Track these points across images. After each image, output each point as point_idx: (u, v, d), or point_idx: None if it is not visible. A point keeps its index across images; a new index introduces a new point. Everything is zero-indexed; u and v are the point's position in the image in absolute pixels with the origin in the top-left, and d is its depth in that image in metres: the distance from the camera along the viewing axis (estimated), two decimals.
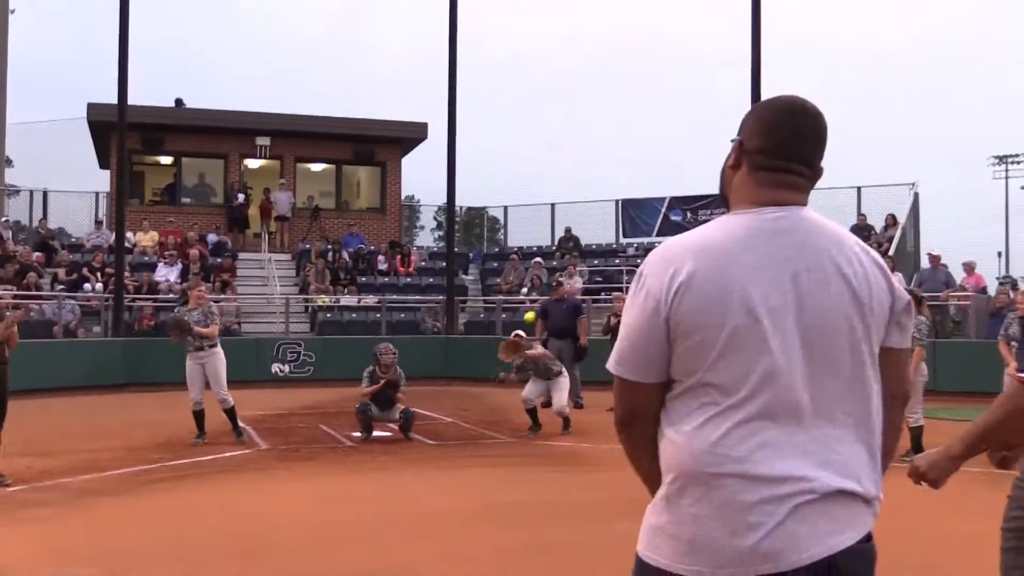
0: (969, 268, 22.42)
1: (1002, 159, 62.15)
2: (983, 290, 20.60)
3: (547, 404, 13.26)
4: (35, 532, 7.39)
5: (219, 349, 12.09)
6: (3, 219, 27.47)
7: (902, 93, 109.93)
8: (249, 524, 7.69)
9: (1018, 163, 61.86)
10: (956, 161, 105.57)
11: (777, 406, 2.14)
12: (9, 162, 46.07)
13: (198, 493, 9.10)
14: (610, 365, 2.28)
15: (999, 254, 58.54)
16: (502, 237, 33.55)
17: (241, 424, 12.53)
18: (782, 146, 2.27)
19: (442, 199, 26.11)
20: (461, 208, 31.18)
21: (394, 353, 12.59)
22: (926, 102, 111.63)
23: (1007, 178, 62.10)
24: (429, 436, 12.86)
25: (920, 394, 11.04)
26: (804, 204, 2.31)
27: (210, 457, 10.99)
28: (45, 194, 29.31)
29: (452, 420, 15.00)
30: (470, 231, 36.31)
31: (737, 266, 2.14)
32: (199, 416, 11.94)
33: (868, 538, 2.20)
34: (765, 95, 20.80)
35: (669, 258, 2.19)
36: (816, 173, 2.34)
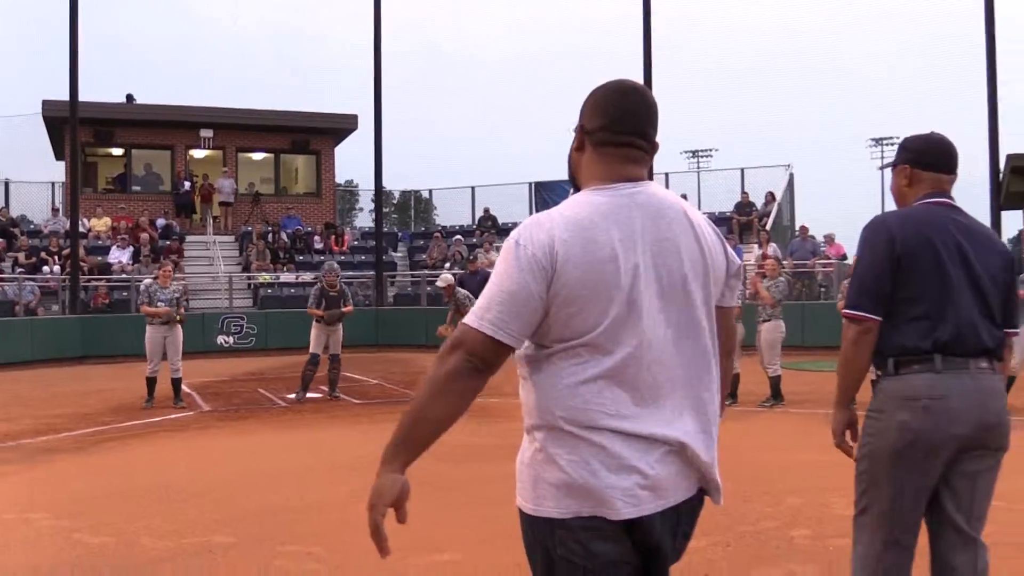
0: (830, 239, 23.29)
1: (878, 141, 63.78)
2: (843, 257, 21.49)
3: None
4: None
5: (180, 326, 12.20)
6: None
7: (787, 80, 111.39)
8: (189, 474, 7.92)
9: (892, 145, 63.45)
10: (837, 144, 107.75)
11: (644, 367, 2.16)
12: None
13: (144, 449, 9.28)
14: (477, 323, 2.12)
15: None
16: (436, 217, 33.83)
17: (186, 389, 12.76)
18: (620, 121, 2.27)
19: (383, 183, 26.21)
20: (391, 192, 31.40)
21: (338, 274, 13.11)
22: (808, 88, 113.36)
23: (883, 158, 63.72)
24: (356, 396, 13.23)
25: (778, 348, 11.69)
26: (645, 177, 2.31)
27: (157, 419, 11.19)
28: (6, 184, 28.91)
29: (378, 382, 15.37)
30: (405, 212, 36.54)
31: (607, 239, 2.13)
32: (152, 383, 11.98)
33: (702, 490, 2.29)
34: (656, 81, 21.47)
35: (547, 230, 2.13)
36: (653, 146, 2.34)
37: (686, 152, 54.87)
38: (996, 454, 3.14)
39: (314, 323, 12.81)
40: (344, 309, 12.78)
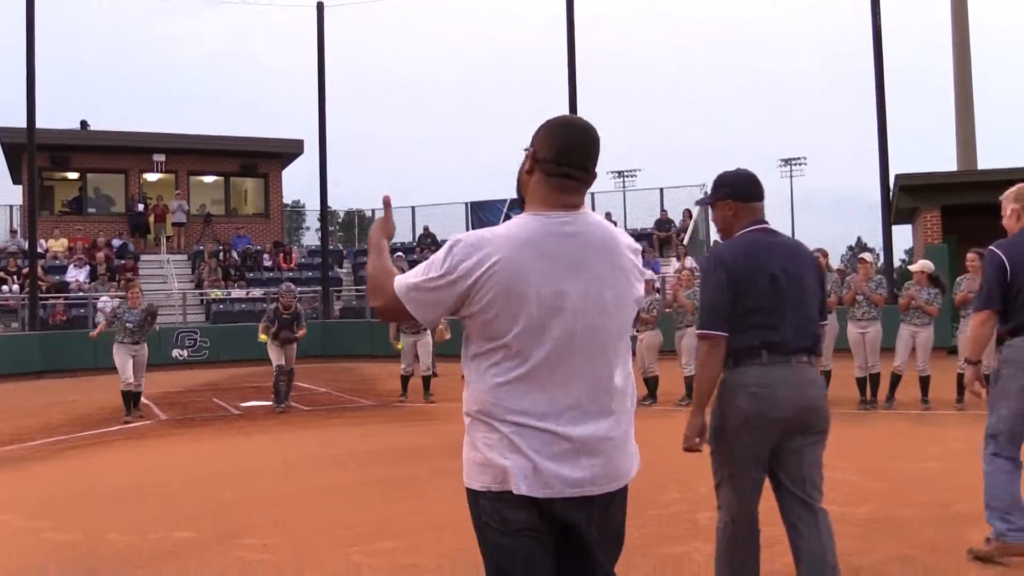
0: None
1: (787, 161, 65.20)
2: None
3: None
4: None
5: (147, 344, 11.93)
6: None
7: (704, 105, 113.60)
8: (147, 476, 7.96)
9: (800, 164, 64.93)
10: (750, 163, 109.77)
11: (552, 369, 2.33)
12: None
13: (105, 456, 9.27)
14: (402, 295, 2.38)
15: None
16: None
17: (144, 400, 12.67)
18: (567, 155, 2.41)
19: (330, 204, 26.16)
20: (337, 212, 31.28)
21: (294, 296, 12.68)
22: (724, 112, 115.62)
23: (791, 177, 65.13)
24: (305, 404, 13.27)
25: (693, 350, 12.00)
26: (582, 204, 2.46)
27: (116, 428, 11.16)
28: None
29: (326, 390, 15.42)
30: (350, 230, 36.43)
31: (533, 260, 2.31)
32: (127, 396, 11.65)
33: (624, 491, 2.46)
34: (582, 101, 21.89)
35: (479, 246, 2.31)
36: (591, 175, 2.46)
37: (612, 172, 55.44)
38: (822, 433, 3.59)
39: (270, 339, 12.44)
40: (297, 334, 12.45)
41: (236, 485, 7.46)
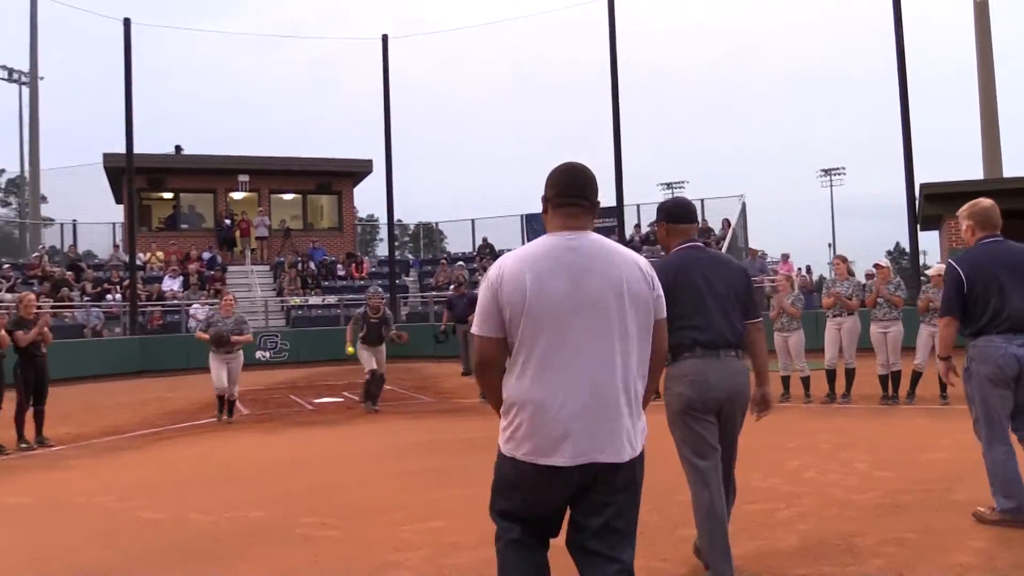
0: (784, 257, 23.67)
1: (827, 171, 64.19)
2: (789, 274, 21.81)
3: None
4: (72, 476, 7.94)
5: (241, 352, 11.56)
6: (40, 246, 27.53)
7: (746, 118, 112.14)
8: (227, 464, 8.30)
9: (840, 174, 63.90)
10: (790, 174, 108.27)
11: (561, 358, 2.69)
12: (44, 199, 45.63)
13: (192, 446, 9.62)
14: (474, 328, 2.82)
15: (829, 245, 61.08)
16: (447, 246, 34.08)
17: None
18: (564, 190, 2.86)
19: (402, 218, 26.55)
20: (407, 224, 31.68)
21: (382, 297, 12.23)
22: (765, 124, 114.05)
23: (831, 187, 64.14)
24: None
25: None
26: (589, 227, 2.86)
27: (203, 421, 11.58)
28: (75, 225, 29.39)
29: (391, 387, 15.62)
30: (419, 240, 36.84)
31: (540, 267, 2.72)
32: (222, 399, 11.44)
33: (633, 461, 2.77)
34: (623, 116, 21.88)
35: (499, 263, 2.80)
36: (594, 204, 2.89)
37: (661, 184, 55.18)
38: (740, 416, 4.17)
39: (359, 343, 11.96)
40: (400, 336, 12.12)
41: (304, 472, 7.72)
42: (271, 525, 5.75)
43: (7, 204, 69.75)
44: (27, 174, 42.57)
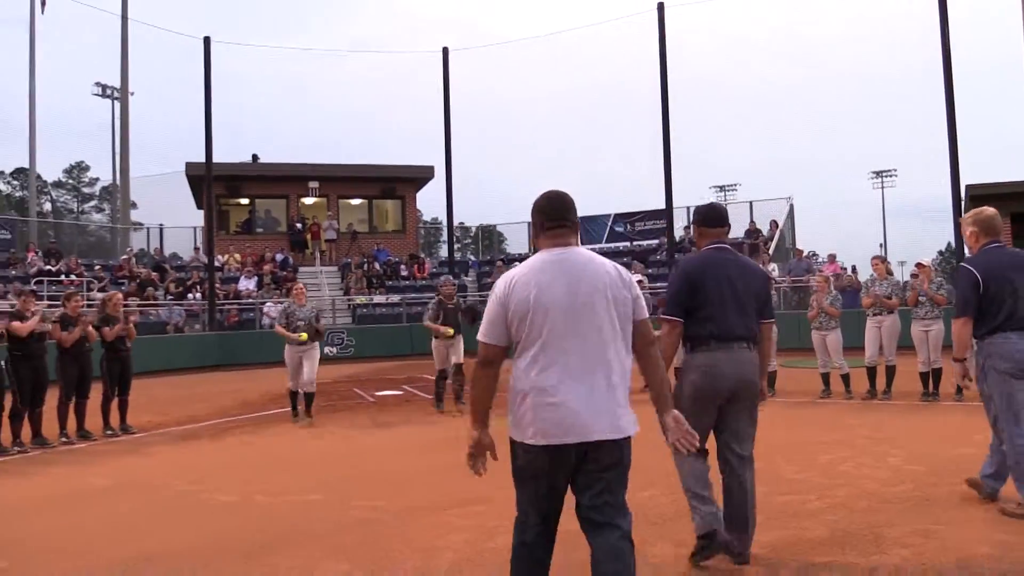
0: (831, 257, 23.16)
1: (879, 173, 62.72)
2: (836, 274, 21.40)
3: None
4: (151, 461, 8.23)
5: (317, 344, 10.73)
6: (128, 248, 28.47)
7: (802, 122, 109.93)
8: (290, 451, 8.51)
9: (891, 176, 62.38)
10: (842, 176, 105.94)
11: (560, 355, 3.08)
12: (134, 205, 47.19)
13: (260, 435, 9.85)
14: (480, 335, 3.20)
15: (880, 245, 59.75)
16: (507, 247, 34.16)
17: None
18: (548, 215, 3.28)
19: (462, 218, 26.67)
20: (469, 227, 31.76)
21: (454, 284, 11.41)
22: (818, 128, 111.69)
23: (883, 188, 62.64)
24: (428, 392, 13.69)
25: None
26: (574, 243, 3.29)
27: (273, 411, 11.87)
28: (161, 229, 30.33)
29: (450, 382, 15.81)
30: (481, 242, 36.98)
31: (539, 279, 3.13)
32: (294, 396, 10.68)
33: (617, 436, 3.09)
34: (676, 122, 21.71)
35: (506, 277, 3.22)
36: (575, 223, 3.32)
37: (714, 187, 54.58)
38: (752, 400, 4.32)
39: (433, 338, 11.04)
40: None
41: (360, 460, 7.88)
42: (326, 506, 5.92)
43: (101, 210, 72.29)
44: (119, 182, 43.90)
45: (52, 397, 9.41)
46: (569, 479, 3.15)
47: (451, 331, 10.83)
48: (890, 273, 11.22)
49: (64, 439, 9.42)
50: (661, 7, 21.97)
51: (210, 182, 23.46)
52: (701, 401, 4.22)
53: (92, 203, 75.60)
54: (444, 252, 38.22)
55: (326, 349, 22.01)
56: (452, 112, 24.92)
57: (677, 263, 4.72)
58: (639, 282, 16.29)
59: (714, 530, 4.16)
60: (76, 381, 9.63)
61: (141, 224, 35.77)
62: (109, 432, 9.91)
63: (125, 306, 21.77)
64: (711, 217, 4.56)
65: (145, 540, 5.21)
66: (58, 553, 5.01)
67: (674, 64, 22.45)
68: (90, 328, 9.77)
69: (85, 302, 10.11)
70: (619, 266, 3.30)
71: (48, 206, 71.22)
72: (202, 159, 23.43)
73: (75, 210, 75.63)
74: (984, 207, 5.36)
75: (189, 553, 4.88)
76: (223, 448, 8.97)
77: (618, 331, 3.16)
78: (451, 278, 11.55)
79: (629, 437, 3.13)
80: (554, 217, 3.28)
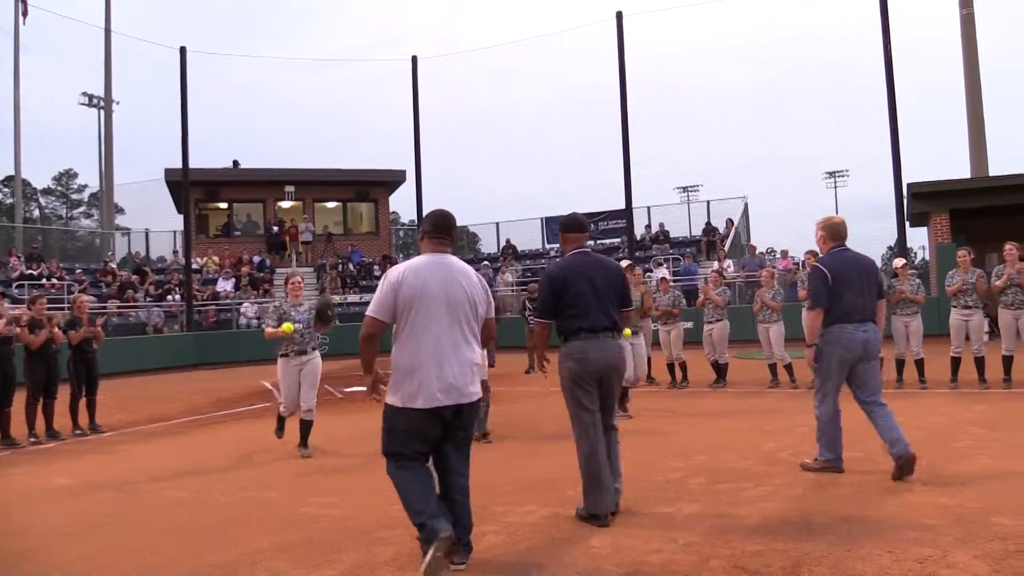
0: (783, 253, 23.25)
1: (832, 174, 63.15)
2: (787, 269, 21.48)
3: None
4: (115, 459, 8.00)
5: (318, 354, 8.06)
6: (109, 252, 27.92)
7: (755, 124, 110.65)
8: (252, 448, 8.25)
9: (843, 176, 62.83)
10: (796, 176, 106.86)
11: (433, 338, 3.86)
12: (122, 211, 46.48)
13: (226, 432, 9.65)
14: (368, 311, 3.95)
15: None
16: (481, 247, 33.84)
17: (267, 385, 12.87)
18: (434, 228, 4.09)
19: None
20: None
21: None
22: (771, 130, 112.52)
23: (836, 188, 63.14)
24: None
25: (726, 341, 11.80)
26: (449, 252, 4.08)
27: (241, 409, 11.63)
28: (147, 234, 29.85)
29: None
30: (456, 243, 36.61)
31: (421, 276, 3.93)
32: (283, 421, 8.03)
33: (473, 400, 3.94)
34: (632, 131, 21.65)
35: (397, 270, 3.98)
36: (453, 238, 4.16)
37: (678, 188, 54.67)
38: (618, 380, 4.89)
39: None
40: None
41: (322, 456, 7.65)
42: (283, 504, 5.72)
43: (90, 216, 71.16)
44: (104, 189, 43.12)
45: (20, 398, 9.12)
46: (438, 435, 3.93)
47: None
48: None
49: (33, 439, 9.14)
50: (620, 16, 21.90)
51: (187, 187, 23.07)
52: (578, 383, 4.75)
53: (81, 209, 74.52)
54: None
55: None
56: (428, 117, 25.08)
57: (546, 270, 5.29)
58: None
59: (601, 513, 4.65)
60: (43, 382, 9.34)
61: (129, 229, 35.12)
62: (78, 432, 9.62)
63: (104, 309, 21.40)
64: (573, 226, 5.07)
65: (92, 538, 4.99)
66: (5, 553, 4.77)
67: (643, 70, 22.79)
68: (57, 330, 9.48)
69: (46, 305, 9.74)
70: (480, 275, 4.15)
71: (36, 212, 69.99)
72: (180, 165, 23.02)
73: (64, 216, 74.43)
74: (832, 215, 5.90)
75: (130, 552, 4.67)
76: (189, 446, 8.74)
77: (475, 323, 4.02)
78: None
79: (479, 400, 4.05)
80: (439, 230, 4.07)
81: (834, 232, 5.76)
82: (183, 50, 22.50)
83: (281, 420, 8.05)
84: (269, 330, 7.78)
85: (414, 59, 24.67)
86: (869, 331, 5.58)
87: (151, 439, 9.23)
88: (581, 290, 4.76)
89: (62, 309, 19.28)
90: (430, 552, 3.62)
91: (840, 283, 5.52)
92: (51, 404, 9.46)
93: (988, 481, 5.26)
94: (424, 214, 24.75)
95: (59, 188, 76.79)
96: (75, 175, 75.16)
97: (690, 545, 4.23)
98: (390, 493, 5.71)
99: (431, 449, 3.96)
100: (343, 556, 4.39)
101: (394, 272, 3.92)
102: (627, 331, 7.35)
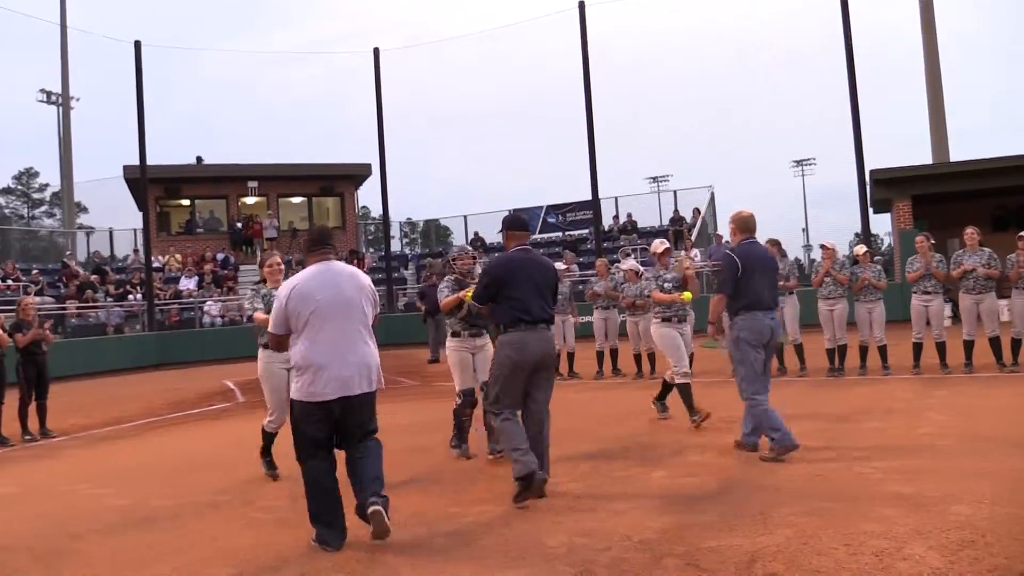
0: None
1: (799, 162, 63.66)
2: None
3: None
4: (62, 465, 7.72)
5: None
6: (67, 252, 27.29)
7: (723, 112, 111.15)
8: (206, 452, 8.05)
9: (811, 165, 63.42)
10: (764, 164, 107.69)
11: (328, 336, 4.26)
12: (85, 208, 45.63)
13: (181, 434, 9.40)
14: (269, 327, 4.50)
15: (803, 230, 60.79)
16: (452, 240, 33.38)
17: (229, 384, 12.55)
18: (317, 241, 4.54)
19: (410, 214, 26.14)
20: (417, 222, 31.24)
21: (474, 257, 6.77)
22: (739, 117, 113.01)
23: (803, 176, 63.68)
24: None
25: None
26: (333, 259, 4.49)
27: (199, 410, 11.35)
28: (111, 232, 29.25)
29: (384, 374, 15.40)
30: (428, 237, 36.30)
31: (311, 284, 4.36)
32: (271, 438, 6.47)
33: (368, 394, 4.34)
34: (601, 121, 21.53)
35: (285, 287, 4.40)
36: (333, 247, 4.58)
37: (648, 178, 54.62)
38: (550, 370, 5.30)
39: (450, 340, 6.66)
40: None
41: (277, 459, 7.40)
42: (230, 509, 5.51)
43: (52, 215, 69.76)
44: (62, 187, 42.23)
45: None
46: (334, 423, 4.32)
47: (469, 295, 6.03)
48: (784, 255, 11.29)
49: None
50: (582, 5, 21.73)
51: (145, 184, 22.58)
52: (515, 370, 5.09)
53: (43, 208, 73.03)
54: (394, 247, 37.71)
55: (261, 341, 21.37)
56: (395, 111, 24.82)
57: (488, 264, 5.55)
58: (567, 270, 15.92)
59: (532, 471, 4.87)
60: None
61: (92, 228, 34.35)
62: (28, 437, 9.32)
63: (63, 309, 20.88)
64: (516, 224, 5.44)
65: (18, 546, 4.75)
66: None
67: (610, 60, 22.38)
68: (1, 333, 9.15)
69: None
70: (366, 276, 4.60)
71: None
72: (150, 163, 22.54)
73: (25, 216, 72.87)
74: (742, 210, 6.18)
75: (60, 560, 4.44)
76: (141, 450, 8.48)
77: (367, 320, 4.44)
78: (468, 247, 6.99)
79: (376, 391, 4.42)
80: (319, 243, 4.51)
81: (743, 225, 6.09)
82: (138, 44, 21.98)
83: (269, 440, 6.35)
84: (259, 315, 6.13)
85: (376, 51, 24.30)
86: (775, 320, 5.96)
87: (104, 444, 8.95)
88: (521, 284, 5.11)
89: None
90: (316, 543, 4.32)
91: (749, 272, 5.84)
92: None
93: (947, 469, 5.19)
94: (385, 207, 24.18)
95: (19, 187, 75.26)
96: (36, 174, 73.63)
97: (645, 542, 4.10)
98: (343, 494, 5.58)
99: (328, 439, 4.35)
100: (288, 565, 4.20)
101: (283, 290, 4.37)
102: (687, 295, 7.73)
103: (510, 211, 30.28)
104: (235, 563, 4.26)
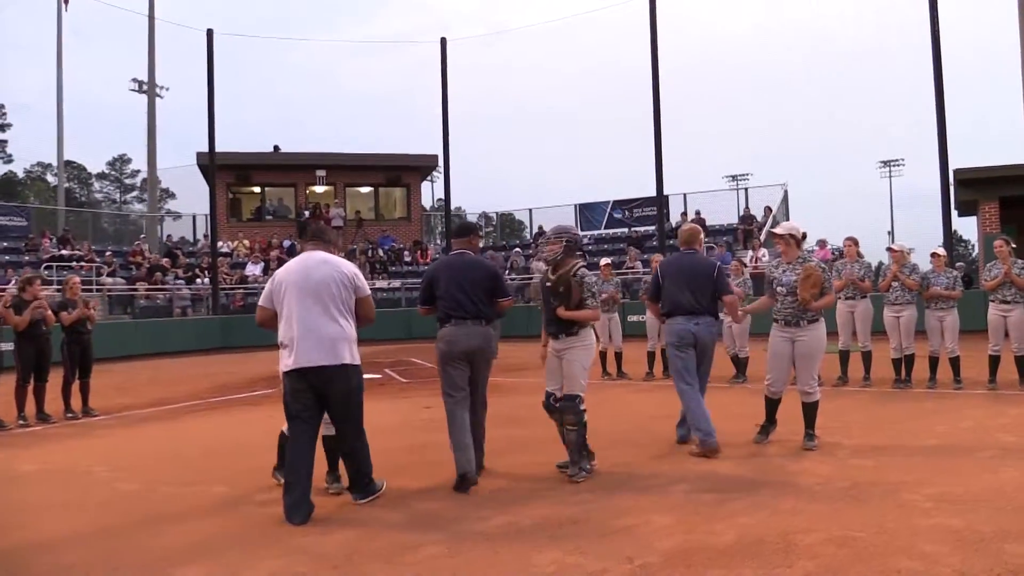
0: (821, 243, 22.21)
1: (886, 163, 61.19)
2: (825, 260, 20.53)
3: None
4: (89, 446, 7.70)
5: None
6: (141, 235, 28.12)
7: (807, 109, 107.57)
8: (228, 439, 7.92)
9: (899, 166, 60.88)
10: (849, 164, 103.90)
11: (305, 315, 4.75)
12: (172, 194, 47.28)
13: (211, 420, 9.32)
14: (260, 301, 5.06)
15: (888, 233, 58.45)
16: (527, 234, 32.89)
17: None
18: (304, 235, 5.25)
19: (486, 207, 25.97)
20: (490, 214, 31.15)
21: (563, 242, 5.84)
22: (823, 116, 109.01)
23: (891, 177, 61.17)
24: (405, 376, 13.16)
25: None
26: (319, 250, 4.97)
27: (243, 395, 11.31)
28: (194, 218, 29.97)
29: (432, 365, 15.24)
30: (503, 229, 35.89)
31: (286, 270, 4.98)
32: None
33: (340, 366, 4.79)
34: (664, 114, 20.86)
35: (276, 272, 5.06)
36: (325, 240, 5.09)
37: (727, 176, 53.16)
38: (485, 360, 5.65)
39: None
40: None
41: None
42: (227, 499, 5.34)
43: (143, 200, 72.63)
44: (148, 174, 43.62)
45: (11, 380, 8.95)
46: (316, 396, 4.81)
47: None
48: (860, 256, 10.47)
49: (22, 422, 8.94)
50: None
51: (213, 170, 23.03)
52: (446, 361, 5.50)
53: (134, 193, 75.96)
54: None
55: None
56: (464, 103, 24.90)
57: (431, 266, 6.11)
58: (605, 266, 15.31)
59: (466, 472, 5.24)
60: (33, 364, 9.12)
61: (179, 213, 35.42)
62: (70, 415, 9.40)
63: (132, 290, 21.45)
64: (457, 231, 6.04)
65: (25, 529, 4.64)
66: None
67: (685, 57, 21.56)
68: (48, 312, 9.25)
69: (40, 288, 9.47)
70: (347, 263, 5.05)
71: (87, 197, 71.52)
72: (222, 150, 23.00)
73: (118, 200, 75.90)
74: (689, 224, 6.85)
75: (50, 546, 4.30)
76: (172, 433, 8.43)
77: (341, 305, 4.84)
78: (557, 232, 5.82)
79: (347, 364, 4.81)
80: (305, 237, 5.21)
81: (685, 239, 6.64)
82: (210, 32, 22.36)
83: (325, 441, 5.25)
84: None
85: (443, 40, 24.12)
86: (701, 324, 6.29)
87: (137, 426, 8.93)
88: (449, 284, 5.53)
89: (91, 291, 19.35)
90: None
91: (671, 281, 6.40)
92: (42, 387, 9.23)
93: (1006, 499, 4.59)
94: (447, 199, 23.98)
95: (113, 173, 78.48)
96: (129, 160, 76.66)
97: (645, 567, 3.69)
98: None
99: (307, 411, 4.80)
100: (267, 559, 3.94)
101: (277, 273, 5.00)
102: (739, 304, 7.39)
103: (575, 206, 30.17)
104: (208, 557, 4.03)
